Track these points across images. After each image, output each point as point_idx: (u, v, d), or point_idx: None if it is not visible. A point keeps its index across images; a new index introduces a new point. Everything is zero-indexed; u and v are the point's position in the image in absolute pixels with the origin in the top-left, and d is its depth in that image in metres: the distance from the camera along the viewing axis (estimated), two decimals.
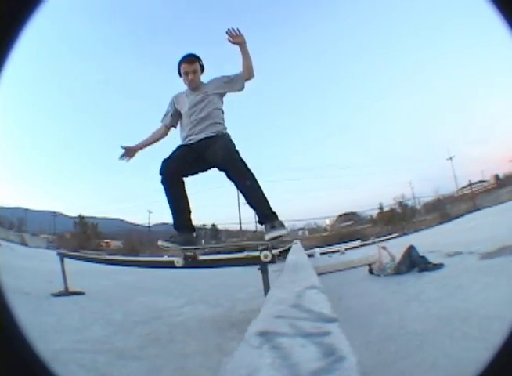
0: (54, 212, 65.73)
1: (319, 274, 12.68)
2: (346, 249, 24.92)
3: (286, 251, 13.60)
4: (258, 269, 4.78)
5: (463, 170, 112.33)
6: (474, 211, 39.98)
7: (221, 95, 4.64)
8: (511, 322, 1.44)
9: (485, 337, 3.87)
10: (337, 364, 0.76)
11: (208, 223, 75.03)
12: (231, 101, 4.86)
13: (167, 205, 4.31)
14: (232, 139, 4.41)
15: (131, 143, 4.72)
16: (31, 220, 62.00)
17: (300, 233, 58.93)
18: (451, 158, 59.89)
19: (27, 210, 63.25)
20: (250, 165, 4.12)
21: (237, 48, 4.27)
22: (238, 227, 53.79)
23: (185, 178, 4.42)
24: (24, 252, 29.61)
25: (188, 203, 4.39)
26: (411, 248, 10.02)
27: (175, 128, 4.75)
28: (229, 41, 4.18)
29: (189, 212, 4.42)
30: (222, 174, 4.17)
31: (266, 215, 4.00)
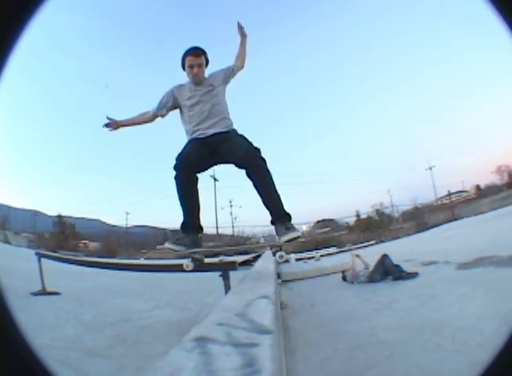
0: (35, 211, 65.67)
1: (293, 280, 12.92)
2: (321, 256, 25.01)
3: (255, 258, 13.72)
4: (220, 275, 4.77)
5: (443, 180, 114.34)
6: (453, 220, 40.62)
7: (225, 88, 4.70)
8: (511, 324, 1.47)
9: (459, 349, 3.88)
10: None
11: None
12: None
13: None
14: None
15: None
16: (15, 218, 61.98)
17: (277, 238, 59.49)
18: (430, 168, 61.04)
19: (10, 208, 62.54)
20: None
21: (236, 41, 4.71)
22: (215, 231, 53.56)
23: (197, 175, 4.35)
24: (7, 251, 31.40)
25: (199, 201, 4.34)
26: (385, 257, 10.09)
27: (163, 117, 4.73)
28: (239, 31, 4.73)
29: (199, 211, 4.37)
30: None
31: (281, 215, 4.12)
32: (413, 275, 9.25)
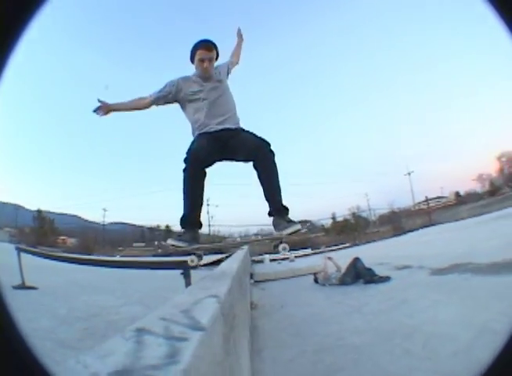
0: (16, 205, 66.99)
1: (265, 281, 13.15)
2: (296, 257, 25.22)
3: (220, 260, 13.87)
4: (181, 273, 4.71)
5: (422, 185, 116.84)
6: (430, 226, 41.16)
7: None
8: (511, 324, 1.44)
9: (430, 356, 3.87)
10: (166, 366, 0.89)
11: (162, 224, 75.23)
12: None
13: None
14: None
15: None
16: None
17: (253, 238, 60.58)
18: (409, 173, 61.92)
19: None
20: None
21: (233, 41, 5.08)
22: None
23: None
24: None
25: (203, 197, 4.25)
26: (356, 260, 10.22)
27: (157, 106, 4.61)
28: (238, 35, 5.18)
29: (201, 207, 4.33)
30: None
31: (280, 208, 4.14)
32: (385, 279, 9.34)
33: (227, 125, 4.31)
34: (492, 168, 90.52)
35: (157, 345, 1.04)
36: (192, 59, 4.41)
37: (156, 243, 73.32)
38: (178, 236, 4.08)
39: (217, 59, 4.53)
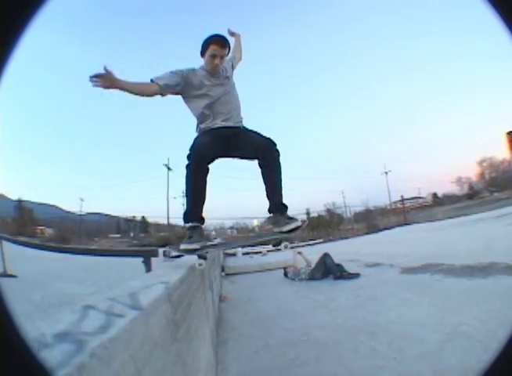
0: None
1: (236, 274, 13.39)
2: (268, 251, 25.53)
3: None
4: (142, 261, 4.67)
5: (400, 185, 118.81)
6: (404, 225, 41.61)
7: None
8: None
9: (395, 356, 3.87)
10: (97, 334, 1.07)
11: (138, 215, 74.98)
12: None
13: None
14: None
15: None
16: None
17: (229, 231, 60.50)
18: (386, 172, 62.44)
19: None
20: None
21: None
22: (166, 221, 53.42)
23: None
24: None
25: (206, 193, 4.20)
26: (326, 256, 10.33)
27: (162, 96, 4.29)
28: (230, 35, 4.91)
29: (204, 203, 4.25)
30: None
31: (280, 205, 4.15)
32: (355, 275, 9.43)
33: (232, 123, 4.30)
34: (471, 172, 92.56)
35: (97, 319, 1.24)
36: (202, 53, 4.30)
37: (131, 234, 73.20)
38: (189, 239, 4.02)
39: (227, 55, 4.47)
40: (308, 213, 67.33)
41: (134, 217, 77.22)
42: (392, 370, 3.56)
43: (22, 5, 1.09)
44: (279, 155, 4.19)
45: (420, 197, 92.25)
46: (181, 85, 4.26)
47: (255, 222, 63.87)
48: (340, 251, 11.68)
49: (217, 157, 4.23)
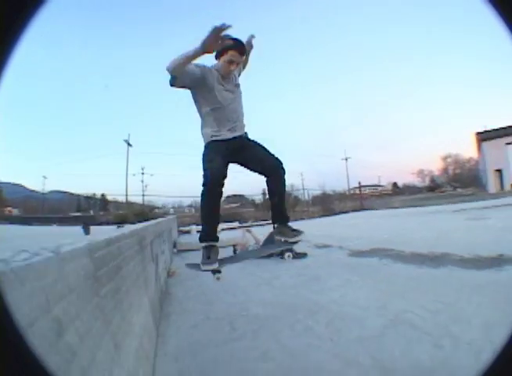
0: None
1: (187, 251, 13.83)
2: (223, 229, 25.80)
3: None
4: (82, 227, 4.62)
5: (360, 172, 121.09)
6: (360, 210, 42.18)
7: None
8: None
9: (332, 337, 3.91)
10: (11, 262, 1.36)
11: (98, 193, 74.01)
12: None
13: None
14: None
15: None
16: None
17: (186, 210, 60.49)
18: (346, 159, 63.21)
19: None
20: None
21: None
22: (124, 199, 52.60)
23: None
24: None
25: (219, 214, 4.26)
26: (273, 234, 10.16)
27: (171, 85, 4.10)
28: (249, 42, 4.34)
29: (218, 223, 4.33)
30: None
31: (283, 218, 4.29)
32: (302, 255, 9.57)
33: (237, 133, 4.21)
34: (434, 166, 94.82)
35: (24, 259, 1.45)
36: (218, 56, 4.06)
37: (91, 212, 72.54)
38: (208, 259, 4.05)
39: None
40: (264, 194, 67.88)
41: (94, 195, 76.57)
42: (327, 352, 3.57)
43: (22, 5, 1.14)
44: (284, 173, 4.29)
45: (379, 185, 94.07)
46: (200, 79, 4.09)
47: None
48: None
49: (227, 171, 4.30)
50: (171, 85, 3.79)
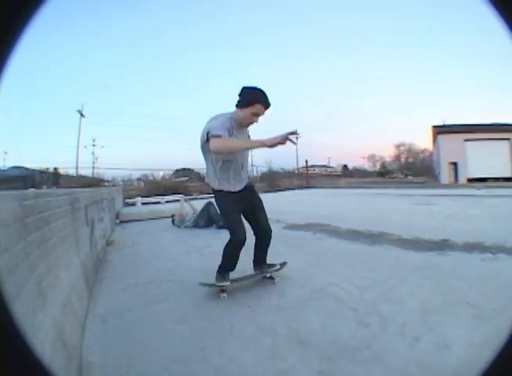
0: None
1: (129, 221, 13.95)
2: (167, 202, 26.68)
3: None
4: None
5: (311, 152, 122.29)
6: (306, 188, 42.57)
7: None
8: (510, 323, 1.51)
9: (249, 305, 4.07)
10: None
11: (51, 167, 71.73)
12: None
13: None
14: None
15: None
16: None
17: (135, 183, 59.84)
18: (297, 138, 63.56)
19: None
20: None
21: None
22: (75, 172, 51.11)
23: None
24: None
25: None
26: (209, 204, 10.75)
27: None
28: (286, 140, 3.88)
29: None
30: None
31: (263, 261, 5.01)
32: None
33: (244, 183, 4.57)
34: (386, 153, 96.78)
35: None
36: (244, 105, 4.14)
37: (44, 187, 70.50)
38: (224, 278, 4.57)
39: None
40: None
41: (47, 169, 74.59)
42: (243, 317, 3.69)
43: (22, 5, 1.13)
44: (271, 235, 4.85)
45: (329, 166, 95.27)
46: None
47: (161, 174, 63.63)
48: None
49: None
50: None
